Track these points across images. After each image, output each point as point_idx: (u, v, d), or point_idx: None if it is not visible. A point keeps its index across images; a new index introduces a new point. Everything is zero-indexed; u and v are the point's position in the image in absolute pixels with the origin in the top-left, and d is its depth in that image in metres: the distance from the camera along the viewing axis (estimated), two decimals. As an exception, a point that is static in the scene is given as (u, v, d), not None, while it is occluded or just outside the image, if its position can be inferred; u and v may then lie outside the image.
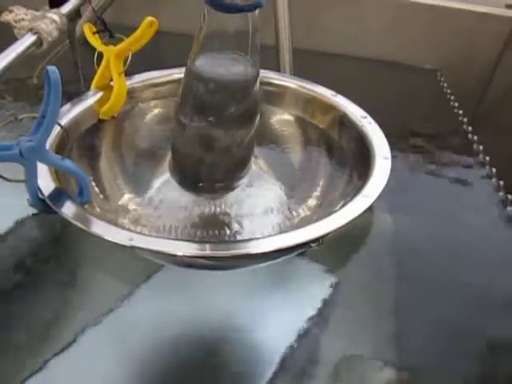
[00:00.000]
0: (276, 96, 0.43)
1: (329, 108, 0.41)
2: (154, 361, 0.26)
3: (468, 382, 0.27)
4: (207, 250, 0.28)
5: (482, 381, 0.27)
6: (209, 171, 0.36)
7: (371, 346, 0.28)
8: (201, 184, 0.36)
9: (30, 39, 0.35)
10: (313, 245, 0.32)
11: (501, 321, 0.30)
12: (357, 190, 0.32)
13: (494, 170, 0.42)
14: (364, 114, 0.39)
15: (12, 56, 0.33)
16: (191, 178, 0.37)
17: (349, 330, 0.28)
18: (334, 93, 0.41)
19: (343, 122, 0.40)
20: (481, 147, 0.45)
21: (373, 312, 0.30)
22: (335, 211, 0.30)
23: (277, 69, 0.50)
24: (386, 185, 0.32)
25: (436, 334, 0.29)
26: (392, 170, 0.33)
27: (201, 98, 0.31)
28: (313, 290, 0.31)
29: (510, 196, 0.39)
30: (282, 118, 0.43)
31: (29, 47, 0.34)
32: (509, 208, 0.38)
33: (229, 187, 0.37)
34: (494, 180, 0.41)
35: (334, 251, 0.33)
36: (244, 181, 0.37)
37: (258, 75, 0.32)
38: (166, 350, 0.27)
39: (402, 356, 0.27)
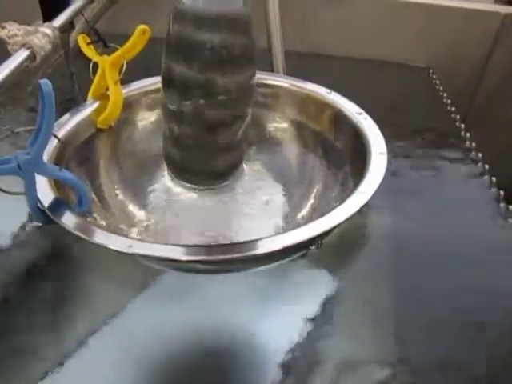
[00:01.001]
0: (271, 96, 0.43)
1: (324, 105, 0.41)
2: (156, 365, 0.26)
3: (468, 382, 0.27)
4: (206, 255, 0.28)
5: (483, 381, 0.27)
6: (203, 155, 0.35)
7: (372, 346, 0.28)
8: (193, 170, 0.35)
9: (23, 54, 0.35)
10: (312, 247, 0.32)
11: (500, 319, 0.30)
12: (354, 186, 0.32)
13: (486, 166, 0.42)
14: (359, 110, 0.39)
15: (6, 72, 0.33)
16: (179, 164, 0.36)
17: (349, 332, 0.29)
18: (328, 90, 0.42)
19: (339, 118, 0.40)
20: (473, 144, 0.45)
21: (373, 313, 0.30)
22: (333, 209, 0.30)
23: (270, 72, 0.50)
24: (381, 183, 0.31)
25: (436, 334, 0.29)
26: (386, 168, 0.33)
27: (193, 41, 0.29)
28: (313, 292, 0.31)
29: (502, 192, 0.39)
30: (277, 117, 0.43)
31: (22, 62, 0.35)
32: (502, 204, 0.38)
33: (225, 178, 0.36)
34: (486, 177, 0.41)
35: (334, 254, 0.33)
36: (243, 182, 0.38)
37: (250, 12, 0.30)
38: (167, 353, 0.27)
39: (402, 356, 0.27)
